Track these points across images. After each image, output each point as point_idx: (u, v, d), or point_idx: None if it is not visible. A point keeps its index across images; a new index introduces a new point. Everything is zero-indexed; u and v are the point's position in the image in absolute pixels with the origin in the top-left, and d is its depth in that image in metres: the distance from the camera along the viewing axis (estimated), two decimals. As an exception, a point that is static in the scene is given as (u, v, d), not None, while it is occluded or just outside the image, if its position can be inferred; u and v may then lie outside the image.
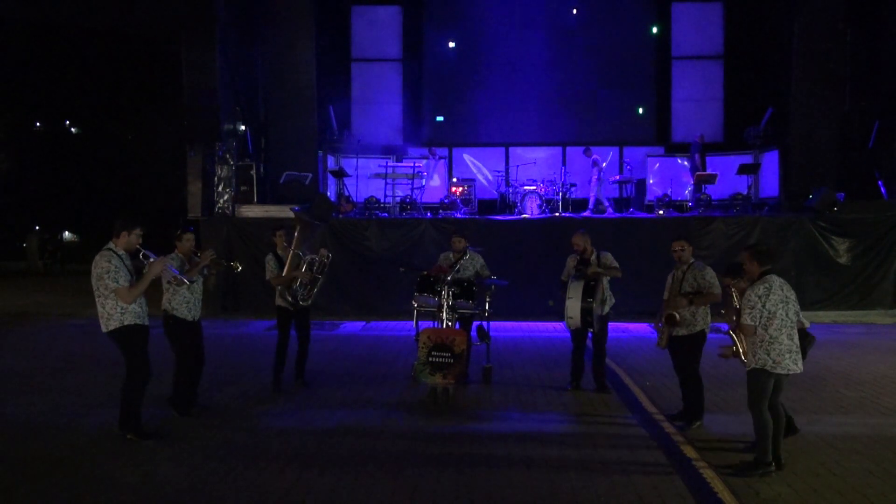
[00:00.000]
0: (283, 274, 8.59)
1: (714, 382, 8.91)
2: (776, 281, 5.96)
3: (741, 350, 6.16)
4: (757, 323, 5.86)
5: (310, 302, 8.80)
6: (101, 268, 6.52)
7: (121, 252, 6.65)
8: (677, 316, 7.19)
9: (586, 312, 8.10)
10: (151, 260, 6.77)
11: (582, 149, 19.16)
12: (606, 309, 8.53)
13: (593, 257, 8.53)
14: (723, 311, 6.70)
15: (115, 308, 6.58)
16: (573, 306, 8.13)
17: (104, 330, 6.68)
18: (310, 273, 8.71)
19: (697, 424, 7.25)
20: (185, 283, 7.27)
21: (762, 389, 5.95)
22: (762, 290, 5.88)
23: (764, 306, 5.85)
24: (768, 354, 5.88)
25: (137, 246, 6.72)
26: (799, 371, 5.99)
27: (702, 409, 7.36)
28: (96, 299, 6.63)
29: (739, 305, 6.18)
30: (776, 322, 5.87)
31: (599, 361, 8.66)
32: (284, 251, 8.75)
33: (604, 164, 17.32)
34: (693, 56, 19.91)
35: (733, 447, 6.62)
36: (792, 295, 6.00)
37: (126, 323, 6.61)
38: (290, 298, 8.63)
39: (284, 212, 14.83)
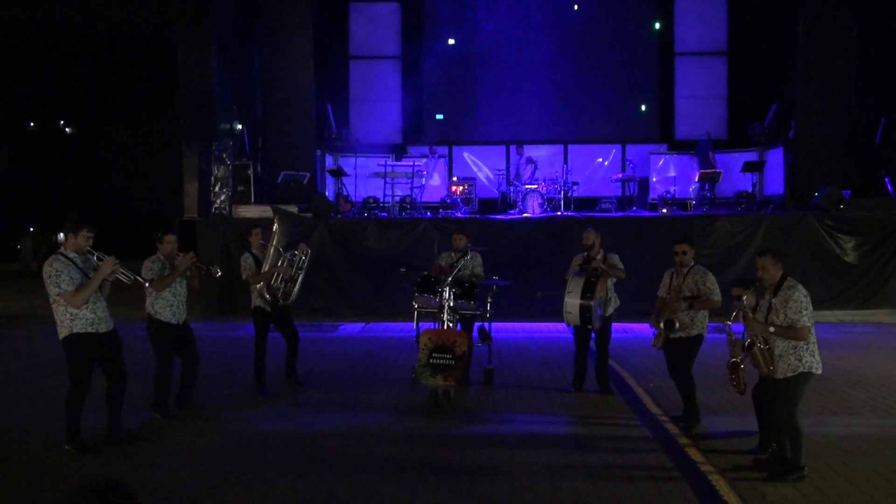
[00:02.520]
0: (265, 270, 8.44)
1: (719, 384, 8.83)
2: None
3: (762, 362, 5.96)
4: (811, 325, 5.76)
5: (290, 301, 8.65)
6: (45, 272, 6.27)
7: (72, 255, 6.37)
8: (677, 323, 7.13)
9: (584, 309, 8.01)
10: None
11: (584, 146, 19.13)
12: (610, 310, 8.46)
13: (599, 257, 8.47)
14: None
15: (65, 314, 6.32)
16: (572, 302, 8.06)
17: (59, 337, 6.44)
18: (290, 268, 8.55)
19: (697, 425, 7.22)
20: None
21: (801, 393, 5.86)
22: (804, 291, 5.79)
23: (809, 308, 5.76)
24: (813, 356, 5.81)
25: (88, 248, 6.42)
26: None
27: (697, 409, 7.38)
28: (51, 306, 6.40)
29: (752, 316, 5.98)
30: (813, 324, 5.82)
31: (602, 363, 8.58)
32: (260, 249, 8.61)
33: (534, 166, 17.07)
34: (696, 52, 19.74)
35: (739, 449, 6.55)
36: None
37: (75, 331, 6.33)
38: (268, 297, 8.48)
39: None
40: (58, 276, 6.22)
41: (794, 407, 5.82)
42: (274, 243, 8.50)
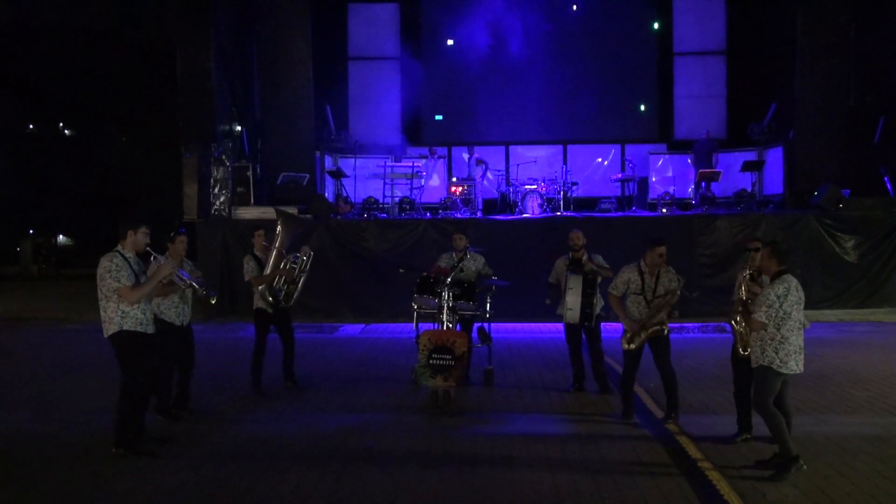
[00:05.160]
0: (268, 272, 8.44)
1: (718, 383, 8.87)
2: (794, 282, 5.96)
3: (738, 339, 6.24)
4: (771, 321, 5.85)
5: (291, 303, 8.67)
6: (103, 267, 6.29)
7: (128, 254, 6.42)
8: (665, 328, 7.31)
9: (586, 305, 8.08)
10: (161, 262, 6.58)
11: (584, 147, 19.19)
12: (598, 310, 8.47)
13: (584, 258, 8.56)
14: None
15: (116, 312, 6.32)
16: (573, 298, 8.11)
17: (105, 335, 6.42)
18: (293, 270, 8.58)
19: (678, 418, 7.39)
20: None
21: (769, 387, 5.93)
22: (782, 290, 5.86)
23: (781, 306, 5.84)
24: (776, 353, 5.88)
25: (146, 247, 6.50)
26: (800, 371, 6.02)
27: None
28: (99, 302, 6.40)
29: (745, 298, 6.20)
30: (789, 323, 5.87)
31: (598, 362, 8.61)
32: (263, 251, 8.61)
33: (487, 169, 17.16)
34: (695, 52, 19.70)
35: (738, 447, 6.57)
36: (803, 296, 6.02)
37: (125, 328, 6.34)
38: (271, 299, 8.48)
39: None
40: (118, 270, 6.26)
41: (763, 397, 5.92)
42: (277, 245, 8.50)
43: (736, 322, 6.35)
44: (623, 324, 7.37)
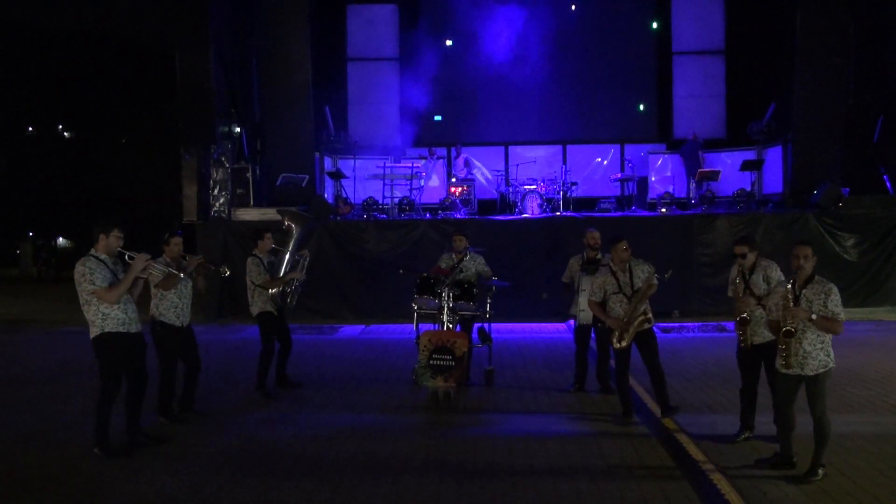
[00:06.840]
0: (282, 275, 8.46)
1: (718, 382, 8.91)
2: None
3: (791, 354, 5.84)
4: None
5: (294, 303, 8.73)
6: (78, 272, 6.31)
7: (103, 256, 6.42)
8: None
9: None
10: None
11: (583, 147, 19.19)
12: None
13: (598, 257, 8.58)
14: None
15: (97, 314, 6.34)
16: (587, 299, 8.06)
17: (90, 337, 6.46)
18: (302, 272, 8.60)
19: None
20: (177, 275, 7.12)
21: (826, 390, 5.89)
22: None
23: None
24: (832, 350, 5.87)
25: (119, 248, 6.48)
26: None
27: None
28: (81, 307, 6.43)
29: (791, 306, 5.80)
30: None
31: (603, 362, 8.61)
32: (267, 254, 8.59)
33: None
34: (694, 52, 19.68)
35: (739, 447, 6.56)
36: None
37: (106, 330, 6.35)
38: (279, 302, 8.49)
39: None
40: (91, 273, 6.27)
41: (825, 401, 5.86)
42: (291, 248, 8.52)
43: (788, 338, 5.79)
44: (609, 324, 7.40)
